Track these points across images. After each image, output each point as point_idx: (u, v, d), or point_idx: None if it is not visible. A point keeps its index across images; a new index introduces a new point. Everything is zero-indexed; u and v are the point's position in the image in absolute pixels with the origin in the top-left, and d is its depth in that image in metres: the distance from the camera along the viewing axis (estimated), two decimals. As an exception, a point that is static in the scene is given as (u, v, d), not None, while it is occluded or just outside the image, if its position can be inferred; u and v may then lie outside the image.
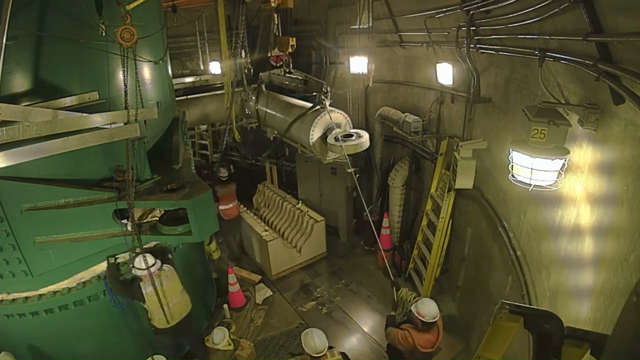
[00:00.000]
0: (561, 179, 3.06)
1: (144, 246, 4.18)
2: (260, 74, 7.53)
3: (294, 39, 6.75)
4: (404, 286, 6.80)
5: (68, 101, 3.75)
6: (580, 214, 3.10)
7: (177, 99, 6.01)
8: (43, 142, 3.36)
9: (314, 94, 6.36)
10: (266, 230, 7.65)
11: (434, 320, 4.07)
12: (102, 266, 4.56)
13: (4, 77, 3.12)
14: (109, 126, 3.76)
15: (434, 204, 6.55)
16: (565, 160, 2.98)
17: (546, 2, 2.77)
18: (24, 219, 3.92)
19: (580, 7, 2.38)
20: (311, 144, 5.93)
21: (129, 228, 4.16)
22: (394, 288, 4.65)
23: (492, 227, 5.03)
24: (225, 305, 6.59)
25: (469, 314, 5.95)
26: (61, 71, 3.78)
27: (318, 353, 3.83)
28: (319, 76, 8.47)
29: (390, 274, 5.24)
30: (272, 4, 6.29)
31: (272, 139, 7.43)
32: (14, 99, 3.47)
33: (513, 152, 3.17)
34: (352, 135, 5.68)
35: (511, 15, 3.47)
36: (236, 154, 10.94)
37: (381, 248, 5.81)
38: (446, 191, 6.02)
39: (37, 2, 3.46)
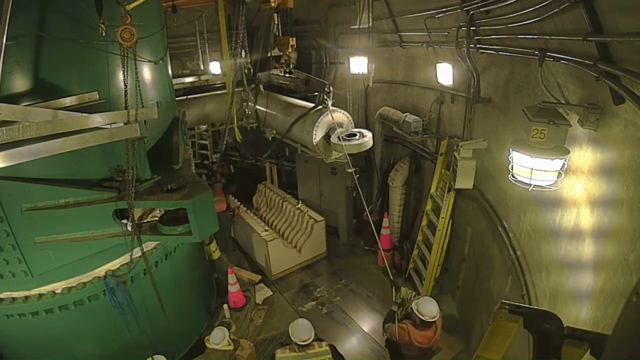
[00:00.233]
0: (561, 179, 3.06)
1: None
2: (259, 74, 7.53)
3: (294, 39, 6.75)
4: (404, 286, 6.83)
5: (68, 101, 3.75)
6: (580, 214, 3.10)
7: (177, 99, 6.01)
8: (43, 142, 3.35)
9: (315, 93, 6.36)
10: (266, 230, 7.65)
11: (434, 319, 4.10)
12: (102, 266, 4.56)
13: (4, 77, 3.12)
14: (109, 126, 3.76)
15: (434, 204, 6.55)
16: (565, 161, 2.98)
17: (546, 2, 2.77)
18: (24, 219, 3.92)
19: (580, 7, 2.38)
20: (314, 143, 5.92)
21: (129, 228, 4.16)
22: (394, 288, 4.67)
23: (492, 227, 5.03)
24: (225, 305, 6.59)
25: (469, 314, 5.95)
26: (61, 71, 3.78)
27: (303, 341, 3.92)
28: (319, 76, 8.47)
29: (390, 274, 5.24)
30: (272, 4, 6.29)
31: (270, 139, 7.44)
32: (14, 99, 3.47)
33: (513, 152, 3.17)
34: (355, 135, 5.68)
35: (511, 15, 3.47)
36: (236, 154, 10.94)
37: (381, 248, 5.81)
38: (446, 191, 6.02)
39: (37, 2, 3.46)
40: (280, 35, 6.95)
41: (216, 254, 7.17)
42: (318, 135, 5.86)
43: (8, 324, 4.44)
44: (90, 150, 3.73)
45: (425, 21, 5.34)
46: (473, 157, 5.25)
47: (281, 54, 7.23)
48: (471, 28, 4.41)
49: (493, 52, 4.33)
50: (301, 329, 3.99)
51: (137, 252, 4.32)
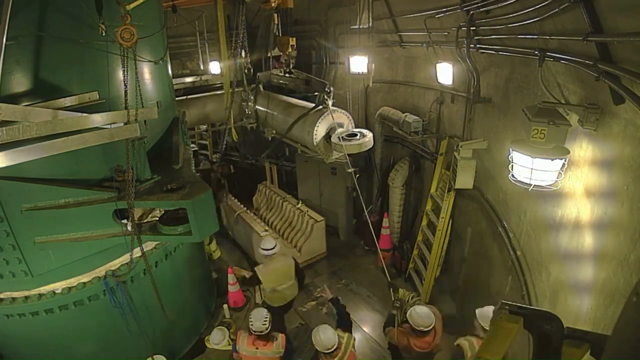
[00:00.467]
0: (561, 179, 3.06)
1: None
2: (258, 73, 7.53)
3: (294, 39, 6.75)
4: (404, 286, 6.82)
5: (68, 101, 3.75)
6: (580, 213, 3.10)
7: (177, 99, 6.01)
8: (43, 142, 3.35)
9: (315, 93, 6.36)
10: (266, 230, 7.65)
11: (428, 329, 4.07)
12: (102, 266, 4.56)
13: (4, 77, 3.12)
14: (109, 126, 3.76)
15: (434, 204, 6.55)
16: (565, 160, 2.98)
17: (546, 2, 2.77)
18: (24, 219, 3.92)
19: (580, 7, 2.38)
20: (315, 143, 5.92)
21: (129, 228, 4.16)
22: (392, 290, 4.67)
23: (492, 227, 5.03)
24: (225, 305, 6.59)
25: (469, 314, 5.94)
26: (61, 71, 3.78)
27: (328, 349, 3.88)
28: (319, 76, 8.46)
29: (388, 275, 5.24)
30: (272, 4, 6.29)
31: (270, 139, 7.43)
32: (14, 99, 3.47)
33: (513, 152, 3.17)
34: (355, 135, 5.68)
35: (511, 15, 3.47)
36: (236, 154, 10.94)
37: (379, 250, 5.81)
38: (446, 191, 6.02)
39: (37, 2, 3.46)
40: (280, 35, 6.95)
41: (216, 254, 7.17)
42: (318, 135, 5.86)
43: (8, 324, 4.44)
44: (90, 150, 3.73)
45: (425, 21, 5.34)
46: (473, 157, 5.25)
47: (281, 54, 7.23)
48: (471, 28, 4.41)
49: (493, 52, 4.32)
50: (324, 338, 3.89)
51: (137, 252, 4.32)
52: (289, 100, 6.95)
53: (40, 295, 4.30)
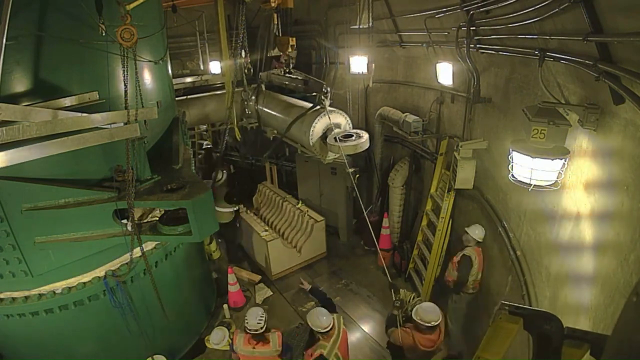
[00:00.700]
0: (561, 179, 3.06)
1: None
2: (260, 73, 7.53)
3: (294, 39, 6.75)
4: (404, 286, 6.82)
5: (68, 101, 3.75)
6: (580, 214, 3.11)
7: (177, 99, 6.01)
8: (43, 142, 3.35)
9: (314, 94, 6.36)
10: (266, 230, 7.65)
11: (437, 323, 4.10)
12: (102, 266, 4.56)
13: (4, 77, 3.12)
14: (109, 126, 3.75)
15: (434, 204, 6.55)
16: (565, 160, 2.98)
17: (546, 2, 2.77)
18: (24, 219, 3.92)
19: (580, 7, 2.38)
20: (311, 144, 5.93)
21: (129, 228, 4.16)
22: (392, 290, 4.68)
23: (492, 227, 5.04)
24: (225, 305, 6.59)
25: (469, 313, 5.94)
26: (61, 71, 3.78)
27: (325, 328, 4.01)
28: (319, 76, 8.47)
29: (388, 276, 5.24)
30: (272, 4, 6.29)
31: (271, 138, 7.43)
32: (14, 99, 3.47)
33: (513, 152, 3.17)
34: (352, 136, 5.68)
35: (511, 15, 3.47)
36: (236, 154, 10.94)
37: (379, 250, 5.81)
38: (446, 191, 6.02)
39: (37, 2, 3.45)
40: (280, 35, 6.95)
41: (216, 254, 7.17)
42: (315, 135, 5.87)
43: (8, 324, 4.44)
44: (90, 150, 3.73)
45: (425, 21, 5.34)
46: (473, 157, 5.25)
47: (281, 54, 7.23)
48: (471, 28, 4.41)
49: (493, 52, 4.33)
50: (322, 319, 4.06)
51: (137, 252, 4.32)
52: (288, 100, 6.95)
53: (40, 295, 4.30)
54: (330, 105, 5.96)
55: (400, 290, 4.74)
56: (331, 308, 4.56)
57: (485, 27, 4.29)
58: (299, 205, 8.30)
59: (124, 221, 4.24)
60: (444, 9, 4.83)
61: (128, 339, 4.94)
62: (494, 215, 5.00)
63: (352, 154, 5.75)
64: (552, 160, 2.96)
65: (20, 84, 3.54)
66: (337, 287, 7.42)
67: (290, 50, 6.81)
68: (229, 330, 5.55)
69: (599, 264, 2.78)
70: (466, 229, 5.32)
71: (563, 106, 3.06)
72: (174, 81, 6.14)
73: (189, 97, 7.57)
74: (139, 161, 4.14)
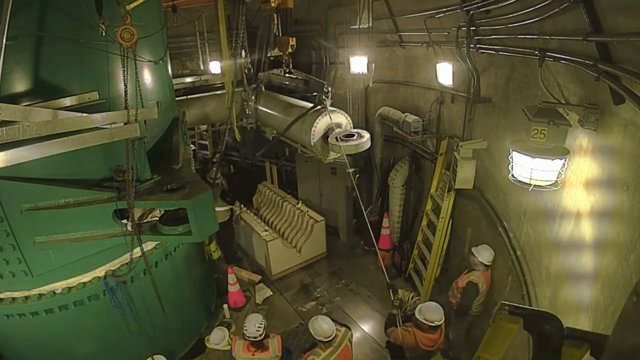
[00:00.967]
0: (561, 179, 3.06)
1: None
2: (260, 73, 7.53)
3: (294, 39, 6.75)
4: (404, 286, 6.82)
5: (68, 101, 3.75)
6: (581, 213, 3.10)
7: (177, 99, 6.01)
8: (43, 142, 3.35)
9: (314, 94, 6.36)
10: (266, 230, 7.65)
11: (440, 322, 4.11)
12: (102, 266, 4.56)
13: (4, 77, 3.12)
14: (109, 126, 3.76)
15: (434, 204, 6.55)
16: (565, 160, 2.98)
17: (546, 2, 2.77)
18: (24, 219, 3.92)
19: (580, 7, 2.38)
20: (312, 144, 5.93)
21: (129, 228, 4.17)
22: (391, 290, 4.68)
23: (492, 227, 5.03)
24: (225, 305, 6.59)
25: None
26: (61, 71, 3.78)
27: (328, 337, 3.96)
28: (319, 76, 8.46)
29: (387, 276, 5.24)
30: (272, 4, 6.29)
31: (271, 138, 7.43)
32: (14, 99, 3.47)
33: (513, 152, 3.17)
34: (353, 135, 5.69)
35: (511, 15, 3.47)
36: (236, 154, 10.94)
37: (378, 251, 5.80)
38: (446, 191, 6.02)
39: (37, 2, 3.46)
40: (280, 35, 6.95)
41: (216, 254, 7.17)
42: (316, 135, 5.87)
43: (8, 324, 4.44)
44: (90, 150, 3.73)
45: (425, 21, 5.34)
46: (473, 157, 5.25)
47: (281, 54, 7.23)
48: (471, 28, 4.41)
49: (493, 52, 4.33)
50: (325, 327, 4.00)
51: (137, 252, 4.32)
52: (289, 100, 6.95)
53: (40, 295, 4.30)
54: (330, 105, 5.96)
55: (399, 290, 4.75)
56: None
57: (485, 27, 4.29)
58: (299, 205, 8.30)
59: (124, 221, 4.24)
60: (444, 9, 4.83)
61: (128, 339, 4.94)
62: (494, 215, 5.00)
63: (353, 153, 5.75)
64: (552, 160, 2.96)
65: (20, 84, 3.54)
66: (337, 287, 7.42)
67: (290, 50, 6.81)
68: (229, 330, 5.55)
69: (599, 263, 2.78)
70: (473, 250, 4.94)
71: (563, 106, 3.06)
72: (174, 81, 6.14)
73: (189, 97, 7.57)
74: (139, 161, 4.14)
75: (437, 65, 5.66)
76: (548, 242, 3.72)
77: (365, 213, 5.83)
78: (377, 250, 5.85)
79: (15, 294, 4.26)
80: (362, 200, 5.66)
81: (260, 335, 4.16)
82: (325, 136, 5.91)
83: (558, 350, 1.69)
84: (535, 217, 4.03)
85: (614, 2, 2.19)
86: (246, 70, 6.98)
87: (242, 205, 8.39)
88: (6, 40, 3.00)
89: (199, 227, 4.21)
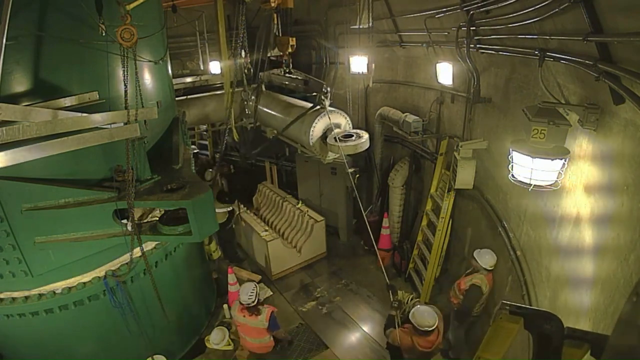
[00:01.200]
0: (561, 179, 3.06)
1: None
2: (260, 73, 7.53)
3: (294, 39, 6.75)
4: (404, 286, 6.83)
5: (68, 101, 3.74)
6: (580, 213, 3.11)
7: (177, 99, 6.01)
8: (43, 142, 3.35)
9: (314, 94, 6.36)
10: (266, 230, 7.65)
11: (432, 328, 4.10)
12: (102, 266, 4.56)
13: (4, 77, 3.12)
14: (109, 126, 3.75)
15: (434, 204, 6.55)
16: (565, 160, 2.98)
17: (546, 2, 2.77)
18: (24, 219, 3.92)
19: (580, 7, 2.39)
20: (311, 144, 5.93)
21: (129, 228, 4.16)
22: (390, 291, 4.68)
23: (492, 227, 5.04)
24: (225, 305, 6.59)
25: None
26: (61, 71, 3.78)
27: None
28: (319, 76, 8.46)
29: (386, 276, 5.23)
30: (272, 4, 6.29)
31: (271, 138, 7.43)
32: (14, 99, 3.47)
33: (513, 152, 3.17)
34: (352, 136, 5.69)
35: (511, 15, 3.47)
36: (236, 154, 10.94)
37: (378, 251, 5.80)
38: (446, 191, 6.02)
39: (37, 2, 3.45)
40: (280, 35, 6.95)
41: (216, 254, 7.17)
42: (315, 135, 5.87)
43: (8, 324, 4.44)
44: (90, 150, 3.73)
45: (425, 21, 5.34)
46: (473, 157, 5.25)
47: (281, 54, 7.23)
48: (471, 28, 4.41)
49: (493, 52, 4.33)
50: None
51: (137, 252, 4.32)
52: (288, 100, 6.96)
53: (40, 295, 4.30)
54: (330, 105, 5.97)
55: (398, 291, 4.75)
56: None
57: (485, 27, 4.29)
58: (299, 205, 8.30)
59: (124, 221, 4.24)
60: (444, 9, 4.83)
61: (128, 339, 4.94)
62: (494, 215, 5.00)
63: (352, 154, 5.75)
64: (552, 160, 2.96)
65: (20, 84, 3.54)
66: (337, 287, 7.42)
67: (290, 50, 6.81)
68: (229, 330, 5.53)
69: (598, 264, 2.78)
70: (475, 255, 4.92)
71: (563, 106, 3.06)
72: (174, 81, 6.14)
73: (189, 97, 7.57)
74: (139, 161, 4.14)
75: (437, 65, 5.67)
76: (548, 242, 3.72)
77: (365, 213, 5.83)
78: (377, 250, 5.85)
79: (15, 294, 4.26)
80: (362, 200, 5.66)
81: (252, 302, 4.78)
82: (324, 136, 5.91)
83: (558, 350, 1.69)
84: (535, 217, 4.03)
85: (614, 2, 2.19)
86: (246, 70, 6.97)
87: (240, 204, 8.38)
88: (6, 40, 3.00)
89: (199, 227, 4.20)
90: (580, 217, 3.11)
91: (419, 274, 6.91)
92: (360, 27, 6.52)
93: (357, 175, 8.04)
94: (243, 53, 6.63)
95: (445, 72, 5.61)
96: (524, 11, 3.18)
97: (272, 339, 5.07)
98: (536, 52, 3.24)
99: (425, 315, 4.12)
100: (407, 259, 7.32)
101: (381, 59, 7.48)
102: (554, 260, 3.57)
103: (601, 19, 2.33)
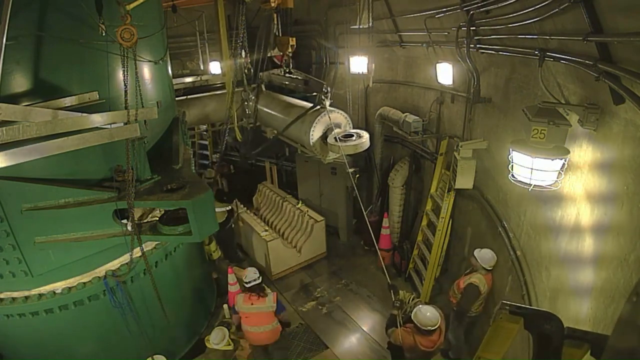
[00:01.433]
0: (561, 179, 3.06)
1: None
2: (260, 73, 7.53)
3: (294, 39, 6.75)
4: (404, 286, 6.82)
5: (68, 101, 3.74)
6: (580, 213, 3.11)
7: (177, 99, 6.01)
8: (43, 142, 3.35)
9: (314, 94, 6.36)
10: (266, 230, 7.65)
11: (435, 327, 4.10)
12: (102, 266, 4.56)
13: (4, 77, 3.12)
14: (109, 126, 3.75)
15: (434, 204, 6.55)
16: (565, 160, 2.98)
17: (546, 2, 2.77)
18: (24, 219, 3.92)
19: (580, 7, 2.39)
20: (311, 144, 5.93)
21: (129, 228, 4.16)
22: (392, 291, 4.68)
23: (492, 227, 5.03)
24: (225, 305, 6.58)
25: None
26: (61, 71, 3.78)
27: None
28: (319, 76, 8.46)
29: (387, 276, 5.24)
30: (272, 4, 6.29)
31: (271, 138, 7.43)
32: (14, 99, 3.47)
33: (513, 152, 3.17)
34: (352, 135, 5.69)
35: (511, 15, 3.47)
36: (236, 154, 10.94)
37: (378, 251, 5.79)
38: (446, 191, 6.02)
39: (37, 2, 3.45)
40: (280, 35, 6.95)
41: (216, 254, 7.16)
42: (315, 135, 5.87)
43: (8, 324, 4.44)
44: (90, 150, 3.73)
45: (425, 21, 5.34)
46: (473, 157, 5.25)
47: (281, 54, 7.24)
48: (471, 28, 4.41)
49: (493, 52, 4.33)
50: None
51: (137, 252, 4.32)
52: (288, 100, 6.96)
53: (40, 295, 4.30)
54: (330, 105, 5.96)
55: (400, 290, 4.75)
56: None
57: (485, 27, 4.29)
58: (299, 205, 8.30)
59: (124, 221, 4.24)
60: (444, 9, 4.83)
61: (128, 339, 4.94)
62: (494, 215, 5.00)
63: (352, 153, 5.75)
64: (552, 160, 2.97)
65: (20, 84, 3.54)
66: (337, 287, 7.42)
67: (290, 50, 6.81)
68: (229, 330, 5.53)
69: (599, 264, 2.78)
70: (475, 254, 4.93)
71: (563, 106, 3.06)
72: (174, 81, 6.14)
73: (189, 97, 7.56)
74: (139, 161, 4.14)
75: (437, 65, 5.66)
76: (548, 242, 3.72)
77: (365, 213, 5.83)
78: (377, 250, 5.85)
79: (15, 294, 4.26)
80: (362, 200, 5.66)
81: (259, 277, 4.97)
82: (324, 136, 5.91)
83: (558, 350, 1.70)
84: (536, 218, 4.03)
85: (614, 2, 2.19)
86: (246, 70, 6.97)
87: (238, 204, 8.38)
88: (6, 40, 3.00)
89: (199, 227, 4.20)
90: (580, 217, 3.11)
91: (419, 274, 6.91)
92: (360, 27, 6.52)
93: (357, 175, 8.03)
94: (243, 53, 6.63)
95: (445, 72, 5.60)
96: (524, 11, 3.17)
97: (279, 323, 5.17)
98: (536, 52, 3.24)
99: (428, 315, 4.13)
100: (407, 259, 7.32)
101: (381, 59, 7.48)
102: (554, 260, 3.57)
103: (601, 19, 2.33)
